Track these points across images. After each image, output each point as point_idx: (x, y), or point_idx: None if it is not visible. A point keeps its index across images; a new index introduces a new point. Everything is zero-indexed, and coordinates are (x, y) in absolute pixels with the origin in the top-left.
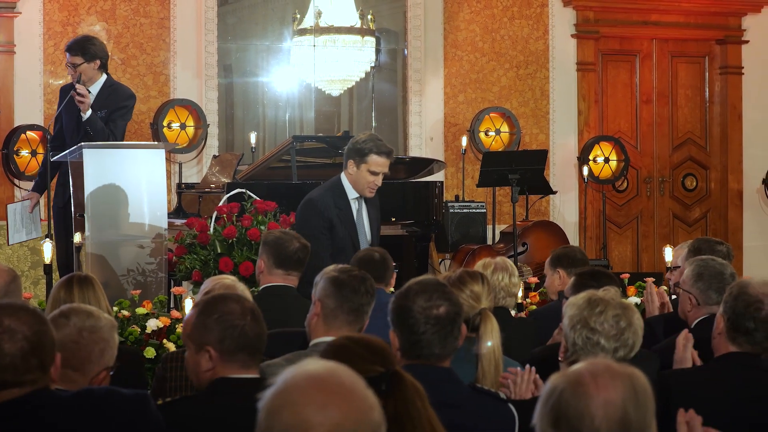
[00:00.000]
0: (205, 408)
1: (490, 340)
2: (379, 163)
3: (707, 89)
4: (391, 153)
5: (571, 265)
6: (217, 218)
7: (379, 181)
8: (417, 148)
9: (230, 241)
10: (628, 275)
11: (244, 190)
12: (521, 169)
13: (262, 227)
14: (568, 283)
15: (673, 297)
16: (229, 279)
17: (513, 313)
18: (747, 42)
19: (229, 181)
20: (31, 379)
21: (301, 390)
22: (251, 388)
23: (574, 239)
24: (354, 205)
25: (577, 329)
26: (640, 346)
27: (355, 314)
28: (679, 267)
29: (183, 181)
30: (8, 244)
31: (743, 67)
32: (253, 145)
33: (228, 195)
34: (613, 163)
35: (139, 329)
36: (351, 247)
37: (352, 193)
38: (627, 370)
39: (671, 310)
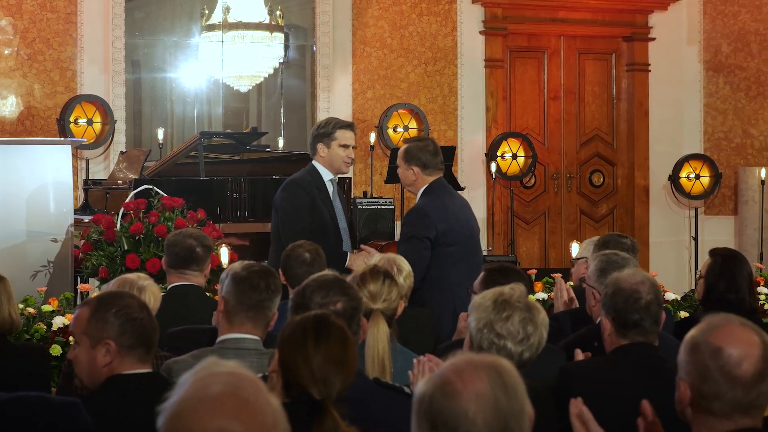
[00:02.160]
0: (106, 405)
1: (373, 342)
2: (346, 136)
3: (614, 86)
4: (353, 126)
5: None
6: (124, 215)
7: (352, 153)
8: None
9: (137, 237)
10: (535, 271)
11: (151, 187)
12: None
13: (170, 224)
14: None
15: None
16: (134, 275)
17: None
18: (654, 39)
19: (136, 177)
20: None
21: (205, 403)
22: (149, 383)
23: (482, 235)
24: (329, 187)
25: (483, 333)
26: (544, 344)
27: (255, 310)
28: (585, 258)
29: (90, 178)
30: None
31: (650, 64)
32: (161, 141)
33: (135, 191)
34: (521, 160)
35: (45, 327)
36: (332, 227)
37: (327, 175)
38: (488, 359)
39: (578, 305)
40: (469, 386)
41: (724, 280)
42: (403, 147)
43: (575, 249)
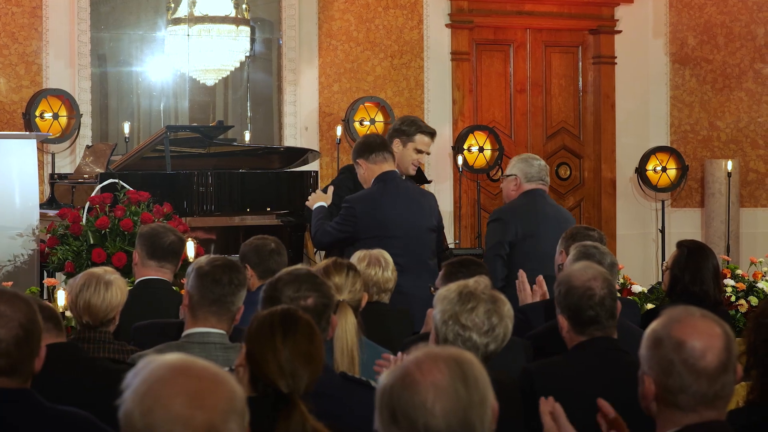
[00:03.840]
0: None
1: (342, 333)
2: (424, 142)
3: (581, 79)
4: (435, 134)
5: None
6: (90, 209)
7: (423, 159)
8: (292, 138)
9: (103, 231)
10: None
11: (117, 181)
12: None
13: (136, 218)
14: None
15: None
16: (101, 269)
17: None
18: (620, 32)
19: (102, 171)
20: (22, 370)
21: (166, 385)
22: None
23: (449, 228)
24: None
25: (448, 325)
26: (510, 335)
27: (218, 305)
28: (514, 175)
29: (56, 172)
30: None
31: (616, 57)
32: (127, 135)
33: (101, 185)
34: (488, 153)
35: None
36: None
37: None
38: (450, 351)
39: (548, 297)
40: (428, 377)
41: (689, 272)
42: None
43: None
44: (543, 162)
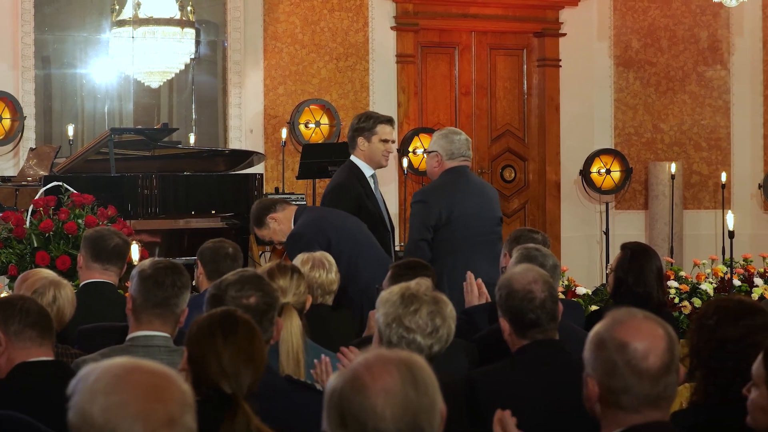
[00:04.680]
0: (11, 394)
1: (287, 335)
2: (386, 130)
3: (525, 81)
4: (393, 121)
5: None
6: (33, 212)
7: (391, 147)
8: (237, 141)
9: (47, 234)
10: None
11: (61, 183)
12: (341, 161)
13: (80, 221)
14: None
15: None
16: (46, 272)
17: None
18: (564, 35)
19: (46, 174)
20: None
21: (122, 381)
22: (55, 371)
23: (395, 230)
24: (371, 182)
25: (392, 327)
26: (453, 336)
27: (162, 308)
28: (435, 152)
29: None
30: None
31: (561, 60)
32: (71, 138)
33: (45, 188)
34: None
35: None
36: (380, 221)
37: (368, 171)
38: (401, 355)
39: (489, 299)
40: (378, 381)
41: (632, 274)
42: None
43: None
44: (464, 136)
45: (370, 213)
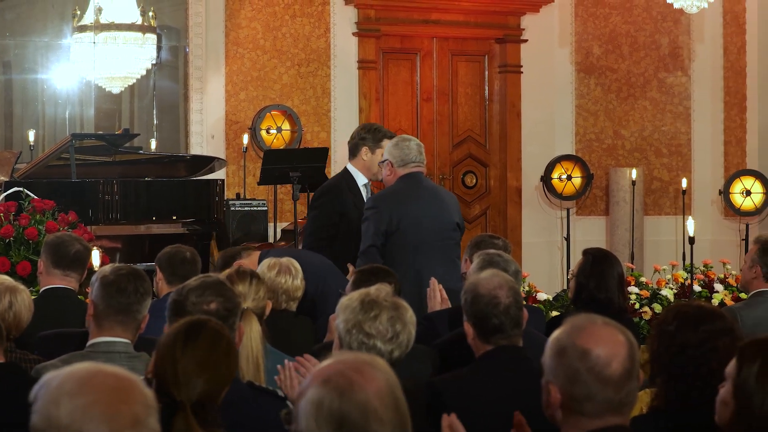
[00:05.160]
0: None
1: (247, 340)
2: None
3: (487, 87)
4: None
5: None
6: None
7: None
8: (198, 146)
9: (7, 240)
10: None
11: (22, 189)
12: (302, 167)
13: (41, 226)
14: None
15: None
16: (3, 277)
17: None
18: (526, 41)
19: (6, 179)
20: None
21: (87, 384)
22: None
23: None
24: (363, 191)
25: (352, 333)
26: (413, 342)
27: (124, 314)
28: (385, 161)
29: None
30: None
31: (522, 66)
32: (32, 143)
33: (5, 194)
34: None
35: None
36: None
37: (361, 179)
38: (373, 358)
39: (450, 305)
40: (372, 383)
41: (594, 280)
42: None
43: None
44: (415, 142)
45: (351, 222)
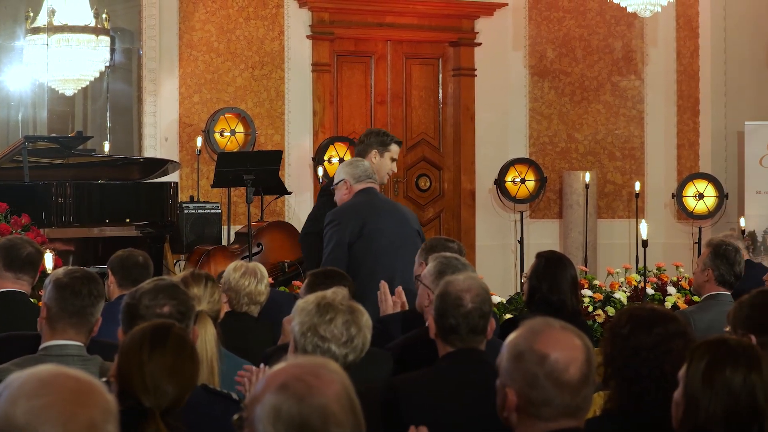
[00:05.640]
0: None
1: (202, 343)
2: (396, 150)
3: (441, 91)
4: (401, 142)
5: None
6: None
7: (395, 167)
8: (152, 149)
9: None
10: None
11: None
12: (256, 170)
13: None
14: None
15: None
16: None
17: None
18: (480, 44)
19: None
20: None
21: (46, 385)
22: None
23: None
24: None
25: (307, 336)
26: (368, 346)
27: (78, 316)
28: (343, 180)
29: None
30: None
31: (476, 69)
32: None
33: None
34: None
35: None
36: None
37: None
38: (327, 362)
39: (407, 308)
40: (330, 387)
41: (546, 282)
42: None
43: None
44: (367, 163)
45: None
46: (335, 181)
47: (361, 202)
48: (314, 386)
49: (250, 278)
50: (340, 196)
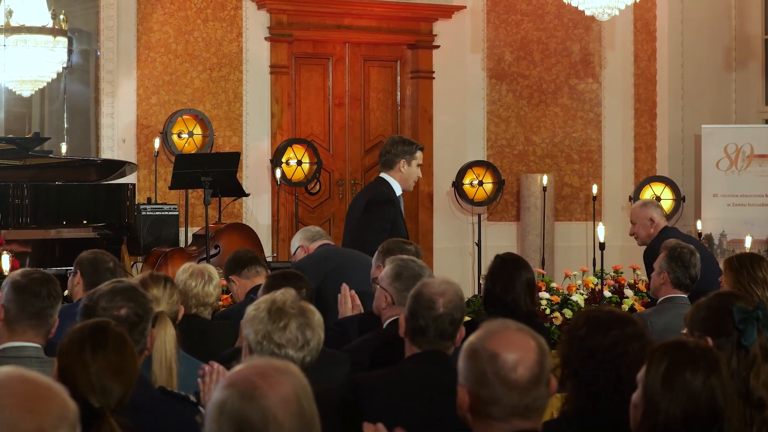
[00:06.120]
0: None
1: (161, 344)
2: (421, 156)
3: (399, 93)
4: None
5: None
6: None
7: (420, 173)
8: (109, 150)
9: None
10: None
11: None
12: (214, 172)
13: None
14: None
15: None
16: None
17: None
18: (438, 47)
19: None
20: None
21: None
22: None
23: (266, 242)
24: (400, 201)
25: (263, 345)
26: (322, 345)
27: (38, 318)
28: (297, 248)
29: None
30: None
31: (434, 72)
32: None
33: None
34: (306, 166)
35: None
36: (406, 237)
37: (398, 190)
38: (284, 364)
39: (362, 311)
40: (276, 389)
41: (501, 283)
42: None
43: None
44: (318, 228)
45: (400, 228)
46: (293, 251)
47: (323, 252)
48: (260, 387)
49: (197, 279)
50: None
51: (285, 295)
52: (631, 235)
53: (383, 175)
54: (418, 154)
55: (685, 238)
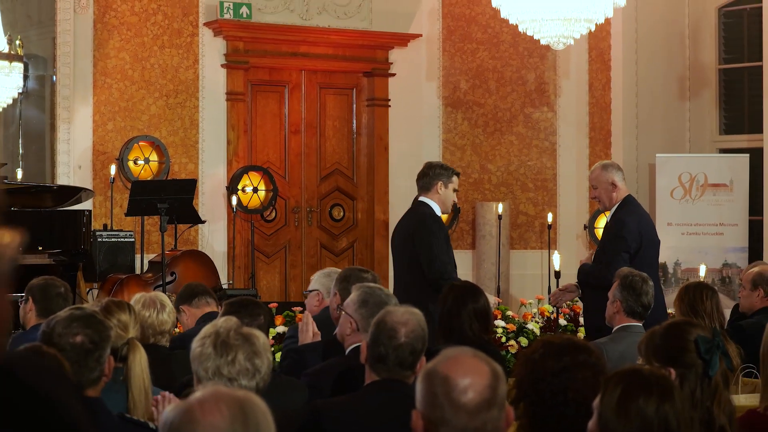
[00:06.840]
0: None
1: (138, 370)
2: (457, 182)
3: (355, 121)
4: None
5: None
6: None
7: (456, 198)
8: (65, 176)
9: None
10: (276, 304)
11: None
12: (170, 198)
13: None
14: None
15: None
16: None
17: None
18: (394, 75)
19: None
20: None
21: None
22: None
23: (222, 269)
24: None
25: (215, 380)
26: (272, 364)
27: None
28: (316, 290)
29: None
30: None
31: (390, 99)
32: None
33: None
34: (262, 193)
35: None
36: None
37: (438, 211)
38: (236, 394)
39: (320, 338)
40: (208, 416)
41: (447, 311)
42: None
43: (314, 282)
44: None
45: (449, 249)
46: (309, 289)
47: None
48: (196, 416)
49: (150, 309)
50: (311, 306)
51: (227, 324)
52: (593, 198)
53: (423, 198)
54: (455, 178)
55: (643, 212)
